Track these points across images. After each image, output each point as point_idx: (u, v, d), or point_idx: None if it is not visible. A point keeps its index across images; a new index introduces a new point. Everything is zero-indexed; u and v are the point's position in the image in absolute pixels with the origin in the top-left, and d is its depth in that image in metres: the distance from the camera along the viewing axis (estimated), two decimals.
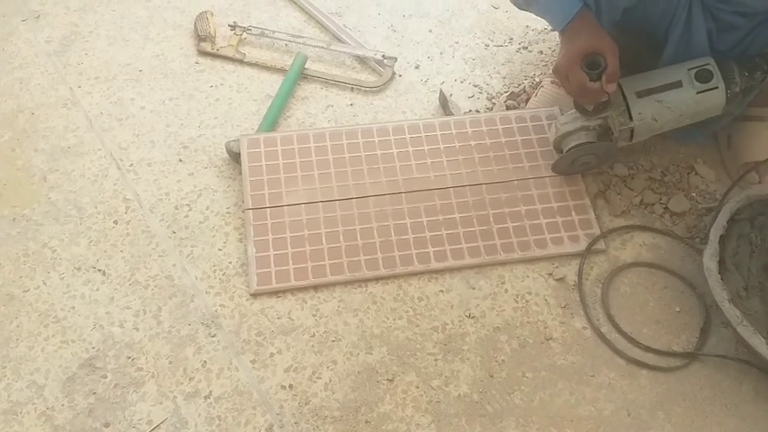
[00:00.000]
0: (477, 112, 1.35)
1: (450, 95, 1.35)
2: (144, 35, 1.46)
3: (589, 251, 1.16)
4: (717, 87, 1.09)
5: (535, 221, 1.18)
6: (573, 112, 1.14)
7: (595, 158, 1.16)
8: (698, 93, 1.09)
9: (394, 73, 1.41)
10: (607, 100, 1.09)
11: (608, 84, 1.02)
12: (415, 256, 1.14)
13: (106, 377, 1.02)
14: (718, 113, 1.13)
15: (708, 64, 1.09)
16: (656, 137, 1.27)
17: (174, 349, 1.04)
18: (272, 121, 1.29)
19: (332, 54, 1.45)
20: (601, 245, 1.17)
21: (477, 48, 1.48)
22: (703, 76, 1.09)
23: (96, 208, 1.19)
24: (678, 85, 1.09)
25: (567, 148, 1.14)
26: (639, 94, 1.10)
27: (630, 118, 1.10)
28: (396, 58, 1.41)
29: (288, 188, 1.19)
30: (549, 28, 1.50)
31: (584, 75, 1.02)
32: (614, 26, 1.15)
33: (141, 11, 1.50)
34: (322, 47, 1.43)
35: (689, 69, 1.10)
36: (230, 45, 1.43)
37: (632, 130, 1.12)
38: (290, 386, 1.02)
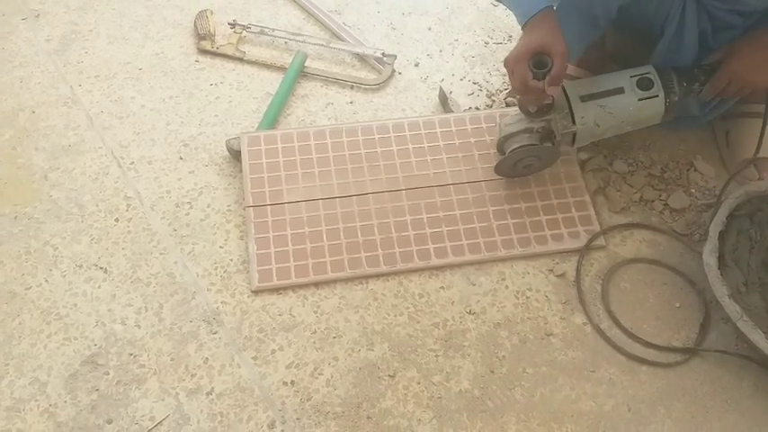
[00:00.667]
0: (477, 109, 1.35)
1: (450, 93, 1.36)
2: (144, 34, 1.46)
3: (589, 247, 1.16)
4: (657, 96, 1.10)
5: (535, 218, 1.18)
6: (517, 114, 1.13)
7: (538, 161, 1.16)
8: (639, 100, 1.10)
9: (394, 71, 1.41)
10: (551, 103, 1.09)
11: (550, 86, 1.01)
12: (415, 253, 1.14)
13: (108, 374, 1.02)
14: (657, 122, 1.14)
15: (649, 72, 1.10)
16: (655, 133, 1.28)
17: (175, 346, 1.05)
18: (272, 119, 1.30)
19: (332, 52, 1.45)
20: (601, 241, 1.17)
21: (476, 45, 1.48)
22: (644, 84, 1.10)
23: (97, 206, 1.20)
24: (620, 91, 1.10)
25: (509, 150, 1.13)
26: (583, 99, 1.10)
27: (573, 122, 1.10)
28: (395, 56, 1.41)
29: (288, 185, 1.19)
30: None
31: (528, 71, 1.02)
32: (611, 24, 1.15)
33: (141, 9, 1.50)
34: (322, 45, 1.44)
35: (631, 77, 1.11)
36: (230, 43, 1.43)
37: (574, 134, 1.12)
38: (292, 382, 1.02)
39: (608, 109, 1.10)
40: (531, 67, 1.01)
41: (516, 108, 1.14)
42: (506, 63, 1.05)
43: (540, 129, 1.11)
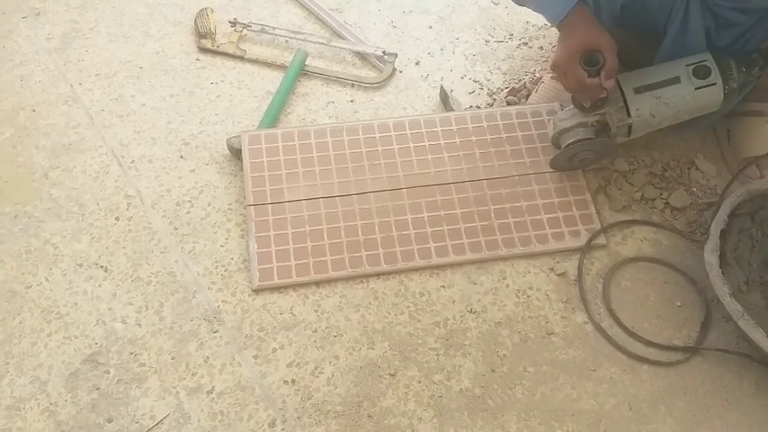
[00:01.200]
0: (478, 107, 1.35)
1: (451, 91, 1.36)
2: (144, 32, 1.46)
3: (590, 246, 1.16)
4: (715, 84, 1.08)
5: (536, 217, 1.18)
6: (571, 108, 1.14)
7: (594, 154, 1.17)
8: (696, 89, 1.09)
9: (394, 69, 1.41)
10: (605, 96, 1.09)
11: (606, 80, 1.02)
12: (416, 252, 1.14)
13: (109, 373, 1.02)
14: (715, 109, 1.12)
15: (706, 60, 1.09)
16: (656, 132, 1.28)
17: (176, 345, 1.05)
18: (272, 118, 1.30)
19: (332, 50, 1.45)
20: (602, 240, 1.17)
21: (477, 44, 1.48)
22: (701, 73, 1.09)
23: (98, 204, 1.19)
24: (676, 81, 1.09)
25: (565, 144, 1.14)
26: (637, 90, 1.10)
27: (628, 114, 1.10)
28: (396, 55, 1.41)
29: (289, 184, 1.19)
30: (550, 24, 1.50)
31: (582, 71, 1.02)
32: (613, 21, 1.15)
33: (141, 8, 1.50)
34: (322, 43, 1.43)
35: (687, 65, 1.10)
36: (231, 42, 1.43)
37: (630, 126, 1.12)
38: (293, 381, 1.02)
39: (664, 99, 1.09)
40: (583, 66, 1.02)
41: (567, 103, 1.15)
42: (556, 67, 1.04)
43: (594, 122, 1.11)
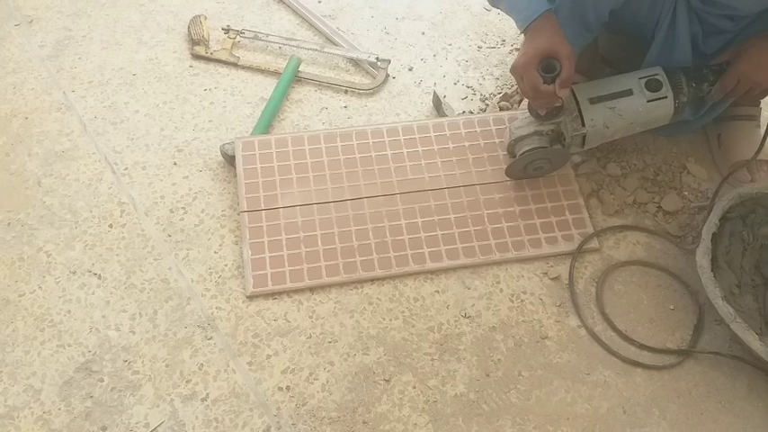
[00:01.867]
0: (471, 113, 1.36)
1: (444, 97, 1.36)
2: (137, 39, 1.46)
3: (583, 250, 1.17)
4: (666, 97, 1.10)
5: (529, 221, 1.19)
6: (527, 117, 1.14)
7: (548, 163, 1.17)
8: (648, 101, 1.10)
9: (387, 75, 1.41)
10: (560, 105, 1.10)
11: (560, 88, 1.02)
12: (410, 257, 1.14)
13: (103, 381, 1.02)
14: (666, 122, 1.14)
15: (657, 74, 1.11)
16: (648, 136, 1.29)
17: (170, 352, 1.04)
18: (266, 124, 1.30)
19: (325, 57, 1.45)
20: (594, 244, 1.18)
21: (469, 50, 1.48)
22: (653, 86, 1.10)
23: (91, 212, 1.19)
24: (629, 93, 1.11)
25: (520, 152, 1.14)
26: (592, 101, 1.11)
27: (583, 124, 1.11)
28: (389, 61, 1.42)
29: (283, 190, 1.19)
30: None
31: (538, 76, 1.02)
32: (603, 27, 1.16)
33: (134, 15, 1.50)
34: (316, 50, 1.44)
35: (639, 78, 1.11)
36: (224, 48, 1.43)
37: (584, 136, 1.12)
38: (288, 388, 1.02)
39: (617, 111, 1.10)
40: (540, 72, 1.02)
41: (525, 111, 1.15)
42: (514, 69, 1.05)
43: (549, 131, 1.12)
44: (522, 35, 1.07)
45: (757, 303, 1.10)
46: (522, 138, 1.14)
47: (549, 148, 1.12)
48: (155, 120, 1.33)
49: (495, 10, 1.54)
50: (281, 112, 1.35)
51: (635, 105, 1.10)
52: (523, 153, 1.13)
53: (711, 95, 1.14)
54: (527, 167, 1.17)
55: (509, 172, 1.19)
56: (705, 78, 1.13)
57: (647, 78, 1.11)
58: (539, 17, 1.02)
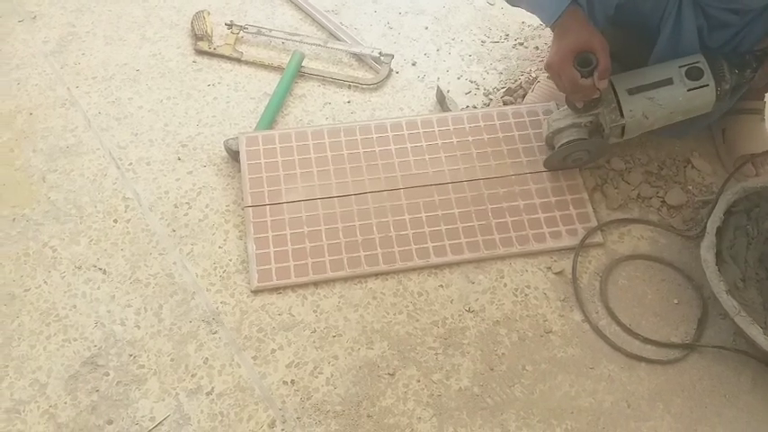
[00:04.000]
0: (475, 107, 1.36)
1: (448, 92, 1.36)
2: (141, 35, 1.46)
3: (587, 245, 1.17)
4: (707, 85, 1.09)
5: (533, 216, 1.19)
6: (564, 109, 1.14)
7: (587, 154, 1.17)
8: (688, 90, 1.09)
9: (391, 70, 1.41)
10: (598, 97, 1.09)
11: (599, 81, 1.03)
12: (414, 252, 1.14)
13: (108, 375, 1.02)
14: (708, 110, 1.13)
15: (698, 62, 1.10)
16: (650, 133, 1.28)
17: (175, 346, 1.05)
18: (269, 119, 1.30)
19: (329, 52, 1.45)
20: (598, 238, 1.18)
21: (473, 44, 1.48)
22: (694, 74, 1.09)
23: (96, 207, 1.20)
24: (669, 82, 1.10)
25: (558, 145, 1.15)
26: (630, 92, 1.10)
27: (621, 115, 1.10)
28: (392, 56, 1.42)
29: (287, 185, 1.20)
30: (544, 24, 1.51)
31: (575, 72, 1.03)
32: (608, 21, 1.16)
33: (138, 10, 1.50)
34: (319, 45, 1.44)
35: (680, 66, 1.10)
36: (227, 44, 1.43)
37: (623, 127, 1.12)
38: (292, 381, 1.02)
39: (657, 101, 1.09)
40: (576, 67, 1.02)
41: (562, 104, 1.15)
42: (550, 67, 1.05)
43: (588, 123, 1.12)
44: (551, 30, 1.06)
45: (762, 297, 1.09)
46: (560, 130, 1.14)
47: (588, 139, 1.12)
48: (159, 115, 1.33)
49: (497, 4, 1.54)
50: (285, 107, 1.35)
51: (675, 95, 1.09)
52: (562, 145, 1.13)
53: (755, 82, 1.12)
54: (566, 159, 1.17)
55: (548, 163, 1.20)
56: (748, 64, 1.11)
57: (687, 66, 1.09)
58: (565, 12, 1.01)
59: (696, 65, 1.09)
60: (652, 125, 1.13)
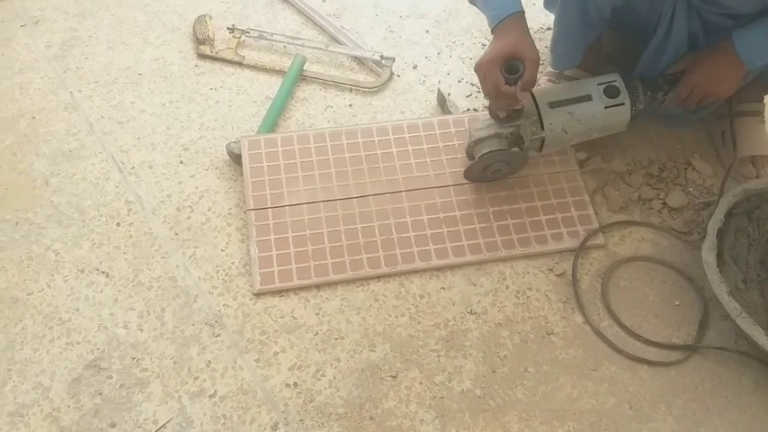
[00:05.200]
0: (476, 110, 1.36)
1: (449, 94, 1.36)
2: (143, 39, 1.47)
3: (589, 247, 1.17)
4: (623, 104, 1.11)
5: (535, 218, 1.19)
6: (487, 119, 1.14)
7: (507, 166, 1.17)
8: (606, 107, 1.11)
9: (392, 73, 1.42)
10: (520, 108, 1.10)
11: (521, 91, 1.02)
12: (416, 254, 1.14)
13: (111, 378, 1.02)
14: (622, 129, 1.15)
15: (615, 81, 1.12)
16: (653, 133, 1.29)
17: (178, 349, 1.05)
18: (271, 123, 1.30)
19: (330, 55, 1.46)
20: (600, 240, 1.18)
21: (474, 47, 1.49)
22: (611, 92, 1.11)
23: (98, 211, 1.20)
24: (588, 98, 1.11)
25: (479, 155, 1.14)
26: (552, 105, 1.11)
27: (542, 128, 1.11)
28: (394, 59, 1.42)
29: (289, 188, 1.20)
30: (544, 27, 1.51)
31: (500, 76, 1.02)
32: (606, 24, 1.16)
33: (140, 15, 1.51)
34: (320, 48, 1.44)
35: (598, 84, 1.12)
36: (229, 48, 1.44)
37: (543, 140, 1.13)
38: (295, 384, 1.02)
39: (576, 116, 1.11)
40: (503, 73, 1.02)
41: (485, 113, 1.15)
42: (478, 67, 1.05)
43: (508, 134, 1.12)
44: (491, 33, 1.06)
45: (763, 299, 1.10)
46: (481, 140, 1.13)
47: (508, 150, 1.12)
48: (161, 119, 1.33)
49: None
50: (287, 110, 1.35)
51: (593, 111, 1.11)
52: (482, 155, 1.13)
53: (666, 104, 1.16)
54: (486, 170, 1.17)
55: (468, 174, 1.19)
56: (660, 87, 1.15)
57: (605, 85, 1.12)
58: (508, 17, 1.02)
59: (613, 83, 1.12)
60: (570, 140, 1.15)
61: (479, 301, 1.12)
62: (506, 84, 1.02)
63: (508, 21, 1.02)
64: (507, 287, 1.13)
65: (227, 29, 1.46)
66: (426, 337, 1.08)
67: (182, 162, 1.27)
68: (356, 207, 1.19)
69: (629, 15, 1.14)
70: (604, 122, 1.12)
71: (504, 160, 1.15)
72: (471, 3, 1.13)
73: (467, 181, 1.22)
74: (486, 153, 1.12)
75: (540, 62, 1.43)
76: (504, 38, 1.02)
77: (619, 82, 1.12)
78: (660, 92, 1.15)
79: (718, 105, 1.24)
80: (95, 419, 0.99)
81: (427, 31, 1.51)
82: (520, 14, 1.03)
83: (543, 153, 1.17)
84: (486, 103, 1.37)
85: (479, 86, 1.40)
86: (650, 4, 1.10)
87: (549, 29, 1.49)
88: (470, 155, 1.18)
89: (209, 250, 1.16)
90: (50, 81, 1.38)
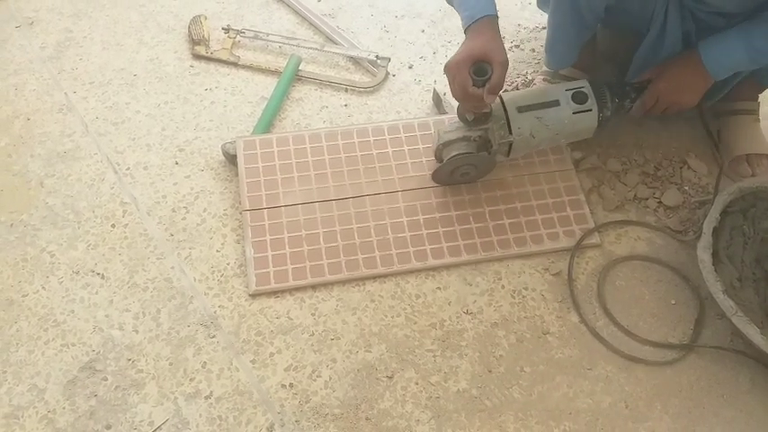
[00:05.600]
0: None
1: (444, 94, 1.36)
2: (138, 40, 1.46)
3: (584, 246, 1.17)
4: (591, 110, 1.12)
5: (531, 217, 1.19)
6: (456, 122, 1.14)
7: (474, 169, 1.17)
8: (574, 113, 1.11)
9: (387, 73, 1.42)
10: (489, 112, 1.10)
11: (488, 94, 1.02)
12: (412, 254, 1.14)
13: (107, 380, 1.02)
14: (589, 136, 1.16)
15: (583, 87, 1.13)
16: (648, 132, 1.29)
17: (173, 351, 1.05)
18: (267, 123, 1.30)
19: (325, 55, 1.46)
20: (596, 239, 1.18)
21: None
22: (579, 98, 1.12)
23: (94, 212, 1.20)
24: (556, 103, 1.12)
25: (447, 157, 1.14)
26: (520, 110, 1.11)
27: (510, 132, 1.11)
28: (389, 59, 1.42)
29: (285, 189, 1.20)
30: (541, 26, 1.51)
31: (468, 78, 1.02)
32: (600, 23, 1.17)
33: (135, 16, 1.51)
34: (316, 48, 1.44)
35: (566, 90, 1.13)
36: (224, 48, 1.43)
37: (510, 144, 1.13)
38: (291, 385, 1.02)
39: (544, 121, 1.11)
40: (471, 74, 1.02)
41: (454, 116, 1.15)
42: (447, 68, 1.05)
43: (477, 137, 1.12)
44: (464, 34, 1.06)
45: (758, 297, 1.10)
46: (449, 142, 1.13)
47: (476, 154, 1.12)
48: (156, 120, 1.33)
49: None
50: (282, 110, 1.35)
51: (561, 116, 1.11)
52: (450, 158, 1.13)
53: (633, 112, 1.17)
54: (453, 173, 1.17)
55: (435, 177, 1.19)
56: (627, 95, 1.16)
57: (573, 90, 1.12)
58: (481, 19, 1.02)
59: (581, 89, 1.12)
60: (538, 145, 1.15)
61: (475, 301, 1.11)
62: (474, 86, 1.02)
63: (481, 23, 1.02)
64: (503, 287, 1.13)
65: (223, 29, 1.46)
66: (422, 338, 1.08)
67: (177, 163, 1.27)
68: (352, 207, 1.18)
69: (621, 14, 1.14)
70: (572, 128, 1.13)
71: (471, 163, 1.15)
72: (448, 2, 1.13)
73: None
74: (454, 156, 1.12)
75: (536, 61, 1.45)
76: (474, 40, 1.02)
77: (587, 88, 1.12)
78: (627, 99, 1.16)
79: (684, 114, 1.24)
80: (91, 421, 0.98)
81: (423, 31, 1.51)
82: (493, 18, 1.03)
83: (511, 158, 1.17)
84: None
85: None
86: (641, 3, 1.10)
87: (544, 28, 1.49)
88: (438, 157, 1.17)
89: (205, 251, 1.15)
90: (45, 82, 1.38)
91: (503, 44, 1.03)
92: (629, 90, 1.16)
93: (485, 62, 1.01)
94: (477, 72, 1.02)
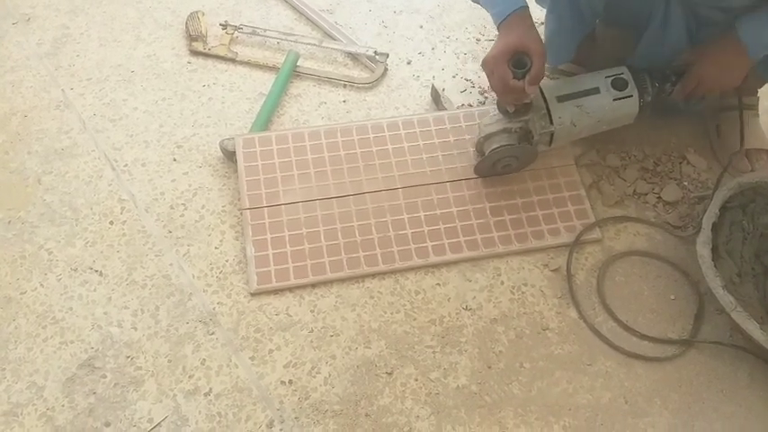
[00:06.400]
0: (470, 106, 1.36)
1: (443, 90, 1.36)
2: (135, 36, 1.46)
3: (584, 241, 1.17)
4: (631, 96, 1.12)
5: (531, 213, 1.19)
6: (496, 114, 1.14)
7: (516, 161, 1.17)
8: (614, 100, 1.11)
9: (386, 69, 1.41)
10: (529, 103, 1.10)
11: (529, 85, 1.02)
12: (413, 251, 1.14)
13: (106, 377, 1.02)
14: (630, 122, 1.15)
15: (623, 73, 1.12)
16: (648, 127, 1.29)
17: (172, 348, 1.05)
18: (265, 120, 1.30)
19: (324, 51, 1.45)
20: (596, 234, 1.18)
21: (468, 42, 1.48)
22: (619, 85, 1.12)
23: (92, 209, 1.19)
24: (596, 91, 1.12)
25: (488, 150, 1.14)
26: (560, 99, 1.11)
27: (551, 122, 1.11)
28: (387, 54, 1.41)
29: (284, 187, 1.19)
30: (539, 21, 1.51)
31: (508, 71, 1.02)
32: (598, 18, 1.16)
33: (132, 12, 1.50)
34: (314, 44, 1.44)
35: (606, 77, 1.12)
36: (222, 44, 1.43)
37: (552, 134, 1.13)
38: (290, 381, 1.02)
39: (584, 109, 1.11)
40: (510, 67, 1.02)
41: (494, 108, 1.15)
42: (485, 63, 1.05)
43: (518, 129, 1.12)
44: (497, 30, 1.06)
45: (758, 292, 1.10)
46: (490, 135, 1.13)
47: (517, 145, 1.12)
48: (154, 116, 1.32)
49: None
50: (280, 107, 1.34)
51: (602, 103, 1.11)
52: (492, 150, 1.13)
53: (673, 95, 1.16)
54: (495, 165, 1.17)
55: (478, 170, 1.19)
56: (667, 78, 1.15)
57: (613, 77, 1.12)
58: (513, 13, 1.02)
59: (621, 76, 1.12)
60: (579, 134, 1.15)
61: (474, 297, 1.11)
62: (514, 78, 1.02)
63: (513, 17, 1.02)
64: (502, 283, 1.13)
65: (220, 25, 1.45)
66: (422, 334, 1.07)
67: (175, 159, 1.26)
68: (352, 205, 1.18)
69: (621, 10, 1.14)
70: (613, 115, 1.12)
71: (513, 155, 1.14)
72: (474, 1, 1.13)
73: (462, 177, 1.21)
74: (496, 148, 1.12)
75: None
76: (509, 33, 1.02)
77: (626, 74, 1.12)
78: (668, 83, 1.14)
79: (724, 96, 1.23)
80: (90, 419, 0.98)
81: (421, 27, 1.51)
82: (524, 9, 1.03)
83: (553, 147, 1.17)
84: (479, 98, 1.38)
85: (473, 82, 1.40)
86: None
87: (542, 24, 1.48)
88: (480, 150, 1.18)
89: (203, 248, 1.15)
90: (42, 79, 1.37)
91: (539, 34, 1.03)
92: (669, 74, 1.15)
93: (522, 54, 1.02)
94: (515, 65, 1.02)
